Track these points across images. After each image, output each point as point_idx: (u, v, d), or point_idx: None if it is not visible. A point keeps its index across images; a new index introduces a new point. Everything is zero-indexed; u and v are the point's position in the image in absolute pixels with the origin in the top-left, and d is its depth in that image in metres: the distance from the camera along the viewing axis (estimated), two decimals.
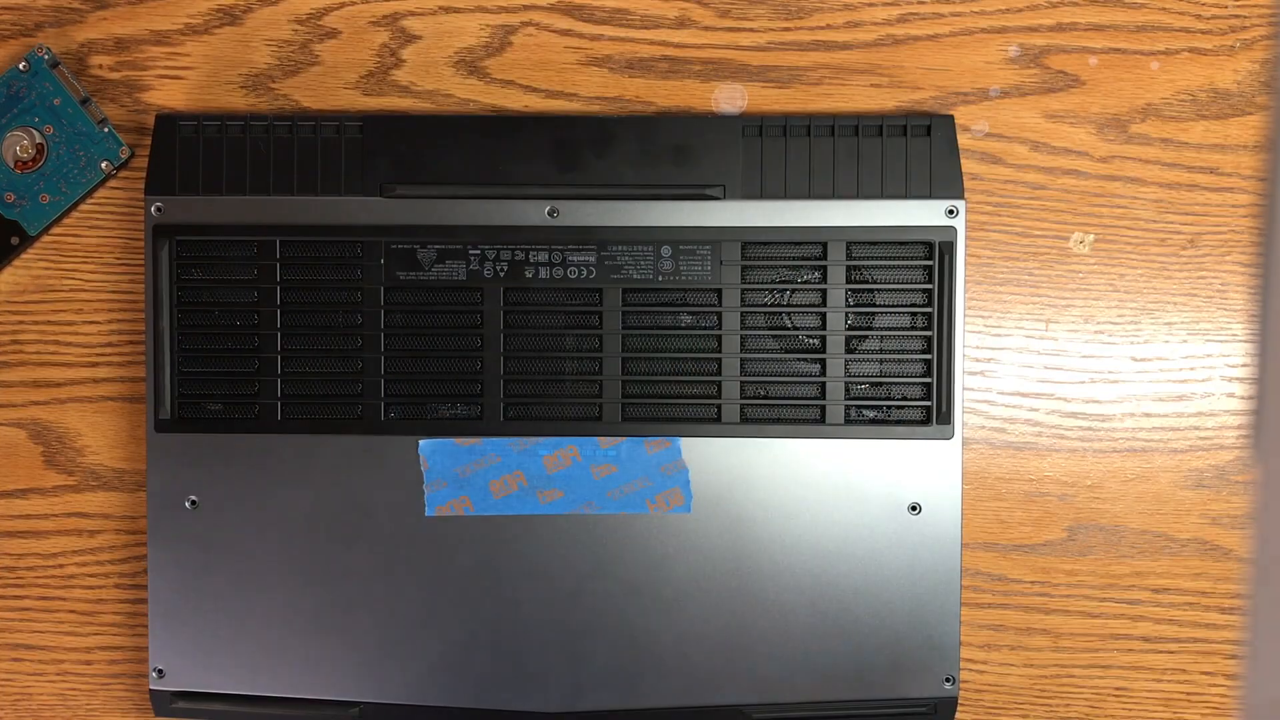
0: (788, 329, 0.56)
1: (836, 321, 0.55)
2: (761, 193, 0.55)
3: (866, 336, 0.55)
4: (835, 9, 0.57)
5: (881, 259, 0.55)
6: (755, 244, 0.55)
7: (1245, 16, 0.57)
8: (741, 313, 0.55)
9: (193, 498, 0.56)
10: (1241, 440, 0.58)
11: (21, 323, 0.59)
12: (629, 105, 0.58)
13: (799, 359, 0.55)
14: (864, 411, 0.55)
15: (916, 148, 0.55)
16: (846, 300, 0.55)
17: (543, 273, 0.55)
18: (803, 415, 0.55)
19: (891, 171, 0.55)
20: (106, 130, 0.57)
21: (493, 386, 0.55)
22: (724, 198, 0.55)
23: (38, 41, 0.57)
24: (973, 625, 0.59)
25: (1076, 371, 0.58)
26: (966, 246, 0.56)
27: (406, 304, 0.56)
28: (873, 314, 0.55)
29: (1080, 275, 0.58)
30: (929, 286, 0.55)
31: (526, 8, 0.58)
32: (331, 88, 0.58)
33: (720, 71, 0.58)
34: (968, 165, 0.57)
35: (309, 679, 0.56)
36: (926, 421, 0.55)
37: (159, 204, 0.55)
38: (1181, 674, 0.59)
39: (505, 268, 0.55)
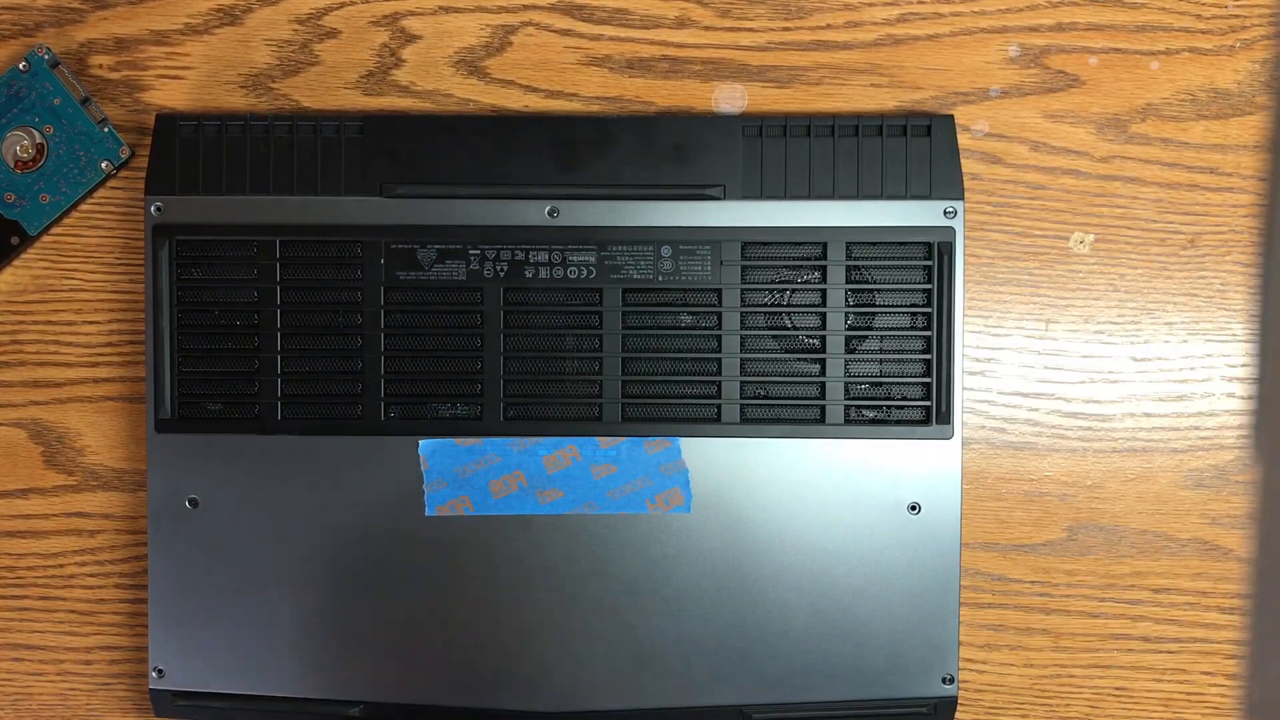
0: (788, 329, 0.56)
1: (836, 321, 0.55)
2: (761, 193, 0.55)
3: (866, 336, 0.55)
4: (835, 9, 0.57)
5: (881, 259, 0.55)
6: (755, 244, 0.55)
7: (1245, 16, 0.57)
8: (741, 313, 0.55)
9: (193, 497, 0.56)
10: (1241, 440, 0.58)
11: (21, 323, 0.59)
12: (629, 105, 0.58)
13: (799, 359, 0.55)
14: (864, 411, 0.55)
15: (916, 148, 0.55)
16: (846, 300, 0.55)
17: (543, 273, 0.55)
18: (802, 415, 0.55)
19: (891, 171, 0.55)
20: (106, 130, 0.57)
21: (493, 386, 0.55)
22: (724, 198, 0.55)
23: (38, 41, 0.57)
24: (972, 625, 0.59)
25: (1076, 371, 0.58)
26: (966, 246, 0.56)
27: (406, 304, 0.56)
28: (872, 314, 0.55)
29: (1080, 275, 0.58)
30: (929, 287, 0.55)
31: (526, 8, 0.58)
32: (331, 88, 0.58)
33: (720, 71, 0.58)
34: (968, 165, 0.57)
35: (309, 679, 0.56)
36: (926, 421, 0.55)
37: (159, 204, 0.55)
38: (1182, 674, 0.59)
39: (505, 268, 0.55)
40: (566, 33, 0.58)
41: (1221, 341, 0.58)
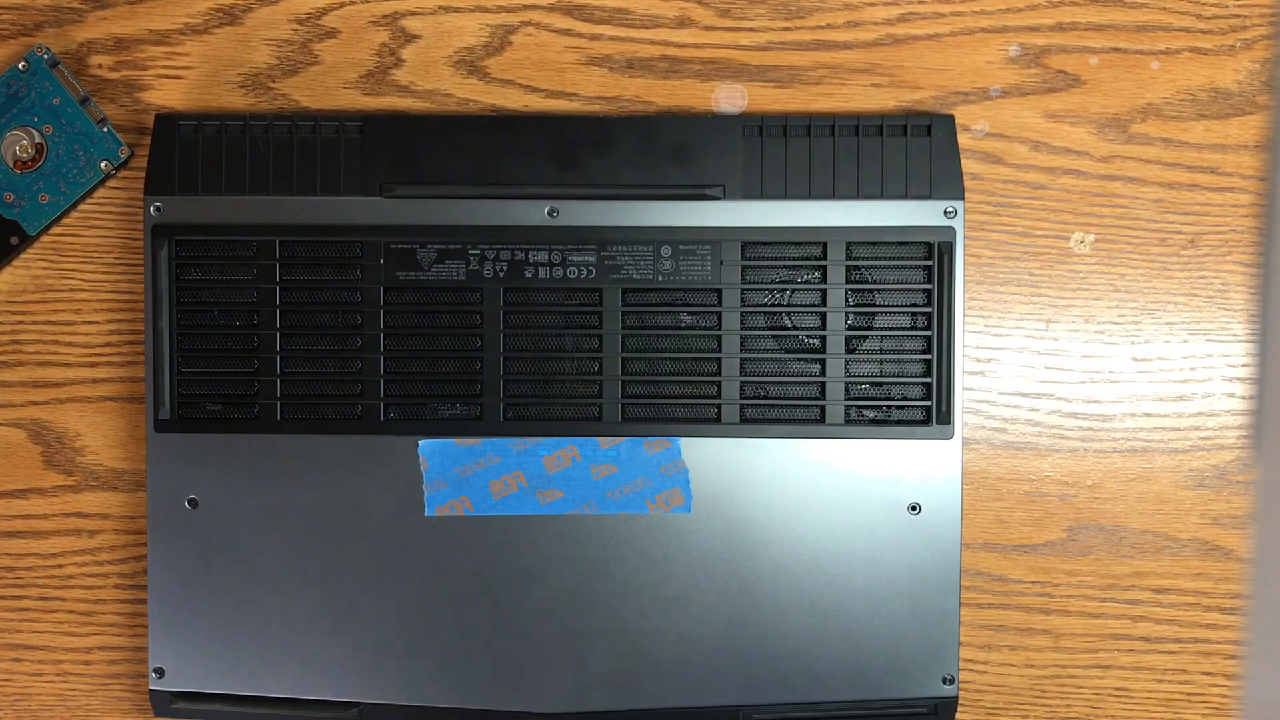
0: (788, 329, 0.55)
1: (836, 321, 0.55)
2: (761, 193, 0.55)
3: (866, 336, 0.55)
4: (835, 9, 0.57)
5: (881, 259, 0.55)
6: (755, 244, 0.55)
7: (1246, 16, 0.57)
8: (741, 313, 0.55)
9: (193, 497, 0.56)
10: (1241, 440, 0.58)
11: (21, 323, 0.59)
12: (629, 105, 0.58)
13: (799, 359, 0.55)
14: (864, 411, 0.55)
15: (916, 148, 0.55)
16: (846, 300, 0.55)
17: (543, 273, 0.55)
18: (803, 415, 0.55)
19: (891, 171, 0.55)
20: (106, 130, 0.57)
21: (492, 386, 0.55)
22: (724, 198, 0.55)
23: (37, 41, 0.57)
24: (973, 625, 0.59)
25: (1077, 371, 0.58)
26: (966, 246, 0.56)
27: (406, 304, 0.56)
28: (873, 314, 0.55)
29: (1080, 275, 0.58)
30: (929, 287, 0.55)
31: (526, 7, 0.58)
32: (331, 87, 0.58)
33: (720, 71, 0.58)
34: (968, 165, 0.57)
35: (309, 679, 0.56)
36: (926, 421, 0.55)
37: (158, 204, 0.55)
38: (1182, 674, 0.59)
39: (505, 268, 0.55)
40: (566, 32, 0.58)
41: (1222, 341, 0.58)
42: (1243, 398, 0.58)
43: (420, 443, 0.55)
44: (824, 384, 0.55)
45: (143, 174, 0.56)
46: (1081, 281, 0.58)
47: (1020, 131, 0.57)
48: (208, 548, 0.56)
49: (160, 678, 0.56)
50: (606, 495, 0.55)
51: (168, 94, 0.58)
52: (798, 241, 0.55)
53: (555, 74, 0.58)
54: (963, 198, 0.55)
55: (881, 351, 0.55)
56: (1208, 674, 0.59)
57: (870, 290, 0.55)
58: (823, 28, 0.57)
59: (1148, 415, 0.58)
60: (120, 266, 0.59)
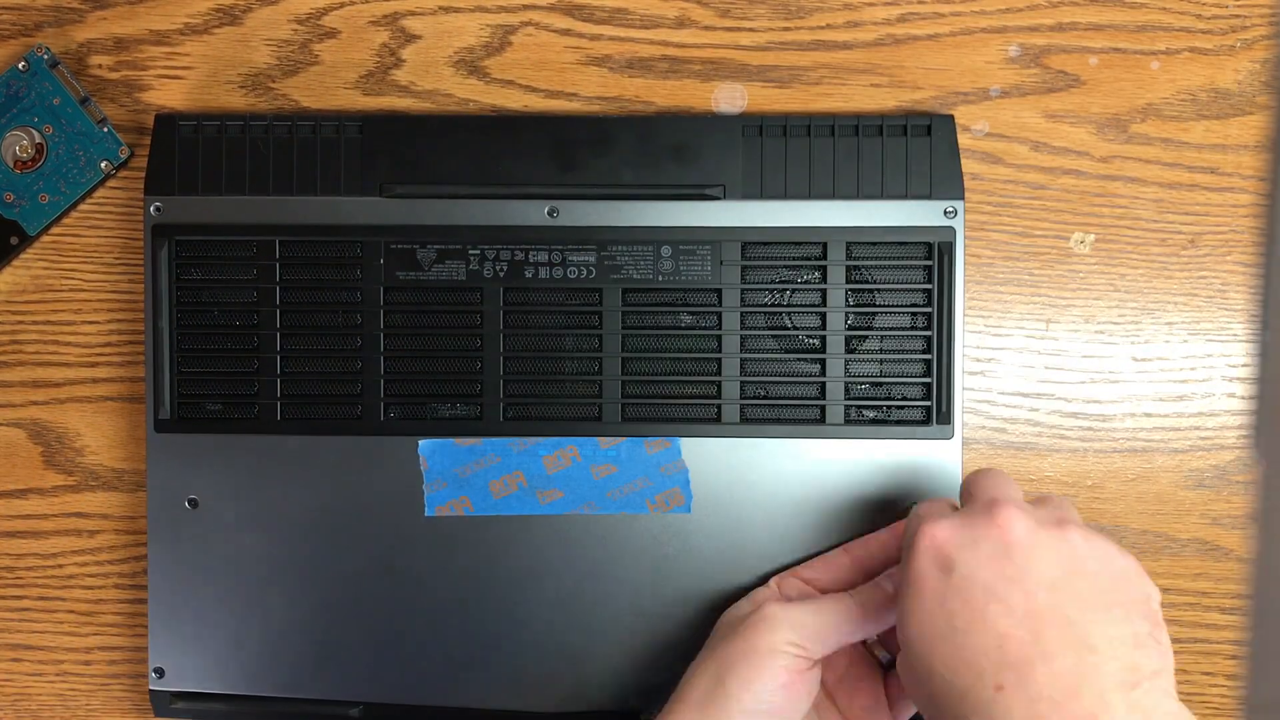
0: (788, 329, 0.55)
1: (836, 321, 0.55)
2: (761, 193, 0.55)
3: (866, 336, 0.55)
4: (835, 9, 0.57)
5: (881, 259, 0.55)
6: (755, 244, 0.55)
7: (1246, 16, 0.57)
8: (741, 313, 0.55)
9: (192, 497, 0.56)
10: (1242, 440, 0.58)
11: (21, 323, 0.59)
12: (629, 105, 0.58)
13: (799, 359, 0.55)
14: (864, 411, 0.55)
15: (916, 147, 0.55)
16: (846, 300, 0.55)
17: (543, 273, 0.55)
18: (802, 415, 0.55)
19: (891, 171, 0.55)
20: (106, 130, 0.57)
21: (493, 386, 0.55)
22: (724, 198, 0.55)
23: (37, 41, 0.57)
24: None
25: (1077, 371, 0.58)
26: (966, 246, 0.56)
27: (406, 304, 0.56)
28: (873, 314, 0.55)
29: (1080, 275, 0.58)
30: (929, 286, 0.55)
31: (526, 7, 0.58)
32: (331, 88, 0.58)
33: (720, 71, 0.58)
34: (968, 165, 0.57)
35: (309, 679, 0.56)
36: (926, 421, 0.55)
37: (158, 204, 0.55)
38: (1182, 674, 0.59)
39: (505, 268, 0.55)
40: (566, 33, 0.58)
41: (1222, 341, 0.58)
42: (1243, 398, 0.58)
43: (420, 443, 0.55)
44: (824, 384, 0.55)
45: (143, 174, 0.56)
46: (1081, 281, 0.58)
47: (1020, 131, 0.57)
48: (208, 548, 0.56)
49: (160, 678, 0.56)
50: (606, 495, 0.55)
51: (168, 94, 0.58)
52: (798, 241, 0.55)
53: (555, 74, 0.58)
54: (963, 198, 0.55)
55: (881, 351, 0.55)
56: (1208, 674, 0.59)
57: (870, 290, 0.55)
58: (823, 28, 0.57)
59: (1148, 415, 0.58)
60: (120, 266, 0.59)
